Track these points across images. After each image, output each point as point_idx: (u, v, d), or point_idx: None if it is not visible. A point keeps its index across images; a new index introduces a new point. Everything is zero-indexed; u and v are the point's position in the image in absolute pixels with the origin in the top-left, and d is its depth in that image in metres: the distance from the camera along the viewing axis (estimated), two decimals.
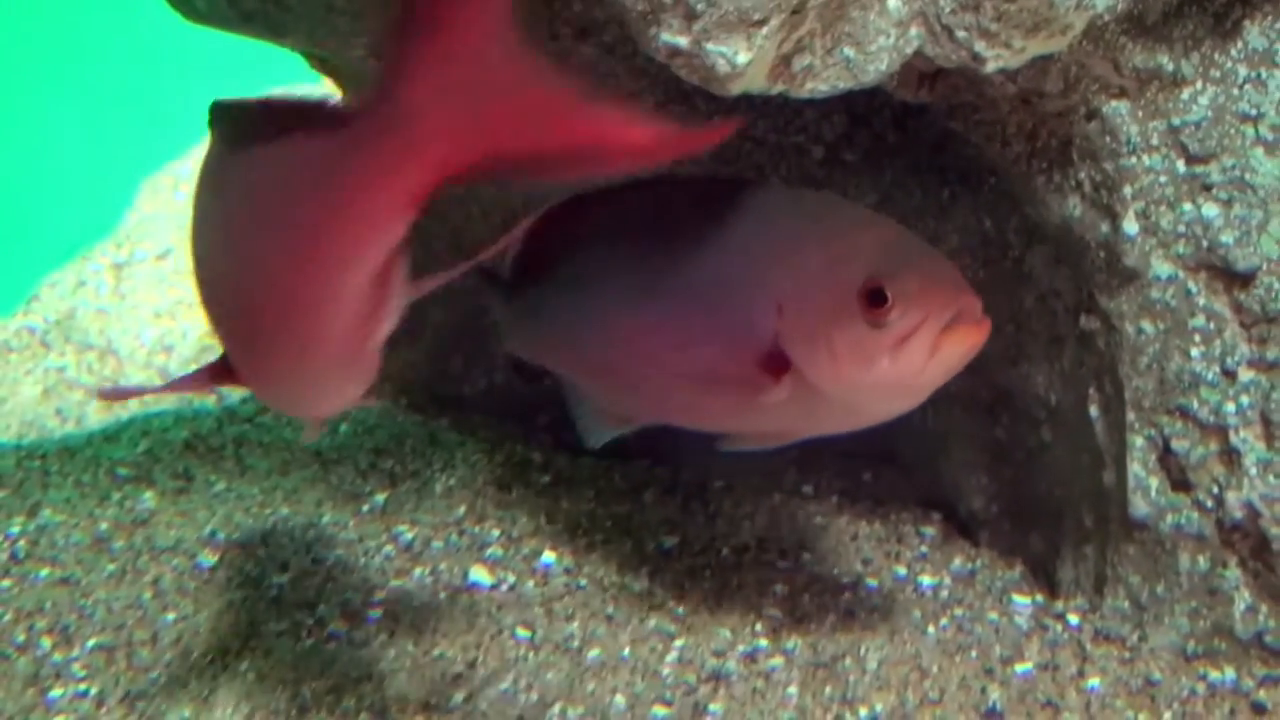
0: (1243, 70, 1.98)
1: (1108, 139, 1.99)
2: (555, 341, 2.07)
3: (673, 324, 1.87)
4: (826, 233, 1.79)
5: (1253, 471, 1.94)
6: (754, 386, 1.78)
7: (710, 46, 1.66)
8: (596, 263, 1.99)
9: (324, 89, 3.53)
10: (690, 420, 1.95)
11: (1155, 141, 1.99)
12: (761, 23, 1.66)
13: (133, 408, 3.64)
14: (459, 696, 1.85)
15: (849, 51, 1.76)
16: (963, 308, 1.69)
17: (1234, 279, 1.97)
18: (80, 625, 1.97)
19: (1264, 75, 1.97)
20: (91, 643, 1.94)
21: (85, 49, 5.51)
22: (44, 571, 2.10)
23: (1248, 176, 1.96)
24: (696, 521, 2.31)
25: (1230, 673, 1.94)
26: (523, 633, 2.00)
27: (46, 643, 1.93)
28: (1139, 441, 2.01)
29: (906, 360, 1.69)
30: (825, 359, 1.73)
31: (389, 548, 2.20)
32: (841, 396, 1.75)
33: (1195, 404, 1.98)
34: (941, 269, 1.73)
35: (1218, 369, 1.97)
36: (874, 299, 1.69)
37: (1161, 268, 1.99)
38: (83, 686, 1.85)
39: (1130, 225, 1.99)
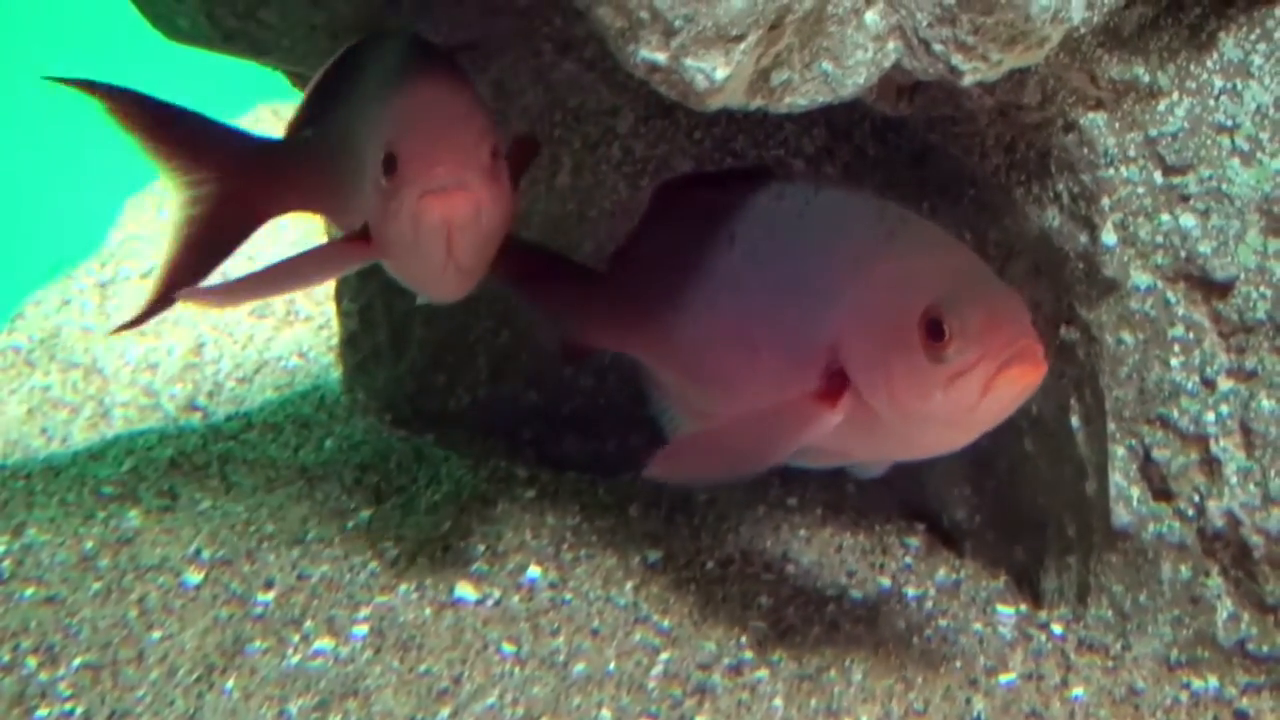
0: (1218, 81, 1.99)
1: (1085, 150, 2.00)
2: (639, 330, 2.06)
3: (745, 326, 1.88)
4: (895, 253, 1.77)
5: (1233, 480, 1.95)
6: (810, 407, 1.76)
7: (688, 62, 1.67)
8: (684, 256, 2.00)
9: None
10: (744, 439, 1.92)
11: (1132, 153, 2.00)
12: (739, 38, 1.66)
13: (117, 426, 3.64)
14: (445, 712, 1.85)
15: (827, 66, 1.77)
16: (1021, 349, 1.66)
17: (1212, 289, 1.98)
18: (66, 644, 1.97)
19: (1239, 86, 1.98)
20: (77, 662, 1.93)
21: (70, 68, 5.51)
22: (29, 591, 2.10)
23: (1224, 187, 1.97)
24: (681, 535, 2.31)
25: (1213, 681, 1.95)
26: (508, 648, 2.00)
27: (32, 662, 1.93)
28: (1120, 451, 2.02)
29: (959, 396, 1.67)
30: (882, 384, 1.72)
31: (374, 564, 2.20)
32: (896, 424, 1.74)
33: (1175, 413, 1.99)
34: (1005, 305, 1.69)
35: (1197, 378, 1.98)
36: (933, 331, 1.67)
37: (1140, 278, 2.00)
38: (69, 706, 1.85)
39: (1109, 236, 2.00)
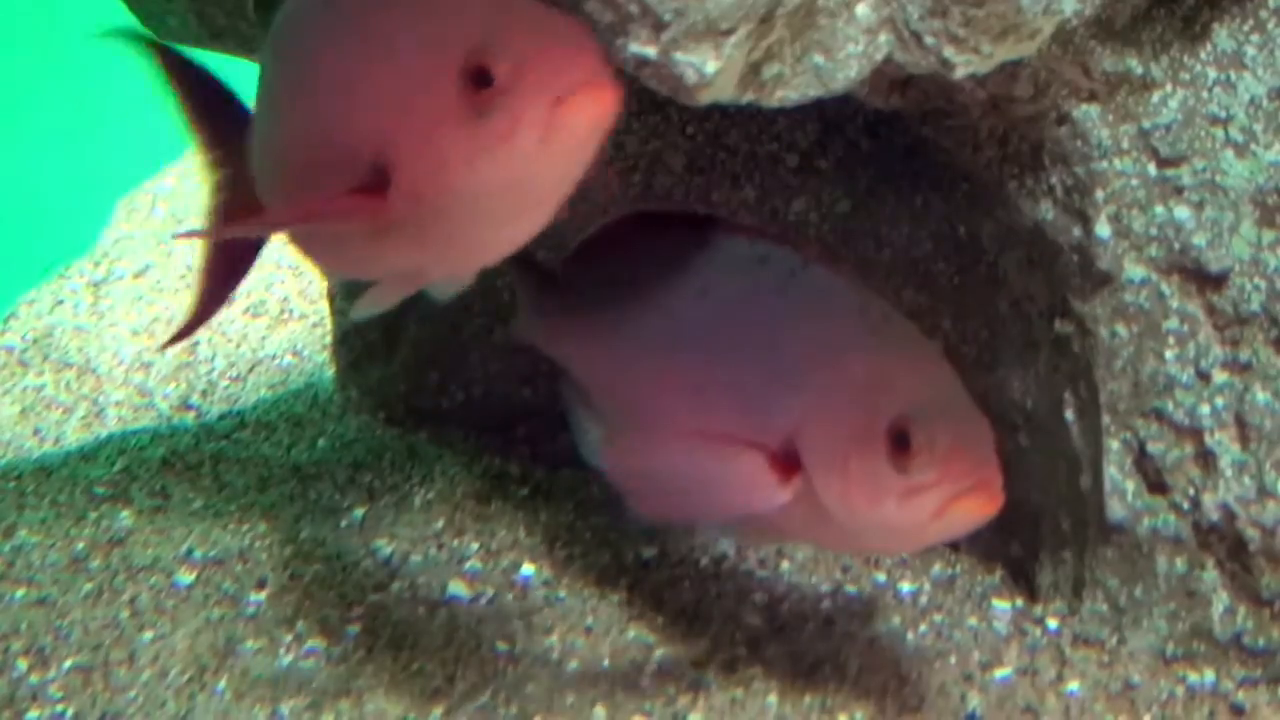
0: (1212, 73, 1.98)
1: (1079, 143, 2.00)
2: (587, 348, 2.05)
3: (703, 380, 1.85)
4: (872, 351, 1.76)
5: (1228, 473, 1.95)
6: (759, 477, 1.75)
7: (679, 56, 1.66)
8: (654, 287, 1.98)
9: None
10: (685, 489, 1.91)
11: (1126, 145, 1.99)
12: (729, 32, 1.65)
13: (111, 425, 3.63)
14: (438, 711, 1.85)
15: (818, 59, 1.76)
16: (983, 479, 1.65)
17: (1206, 281, 1.97)
18: (57, 646, 1.96)
19: (1233, 77, 1.97)
20: (68, 663, 1.93)
21: (61, 67, 5.50)
22: (20, 592, 2.09)
23: (1218, 179, 1.96)
24: (675, 532, 2.30)
25: (1209, 675, 1.95)
26: (502, 646, 1.99)
27: (23, 664, 1.92)
28: (1115, 445, 2.01)
29: (913, 511, 1.66)
30: (837, 479, 1.71)
31: (367, 562, 2.19)
32: (843, 520, 1.72)
33: (1170, 406, 1.98)
34: (973, 431, 1.69)
35: (1192, 371, 1.97)
36: (898, 441, 1.66)
37: (1134, 271, 1.99)
38: (60, 708, 1.84)
39: (1103, 229, 1.99)
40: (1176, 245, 1.97)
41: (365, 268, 1.70)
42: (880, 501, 1.67)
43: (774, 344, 1.81)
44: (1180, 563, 1.98)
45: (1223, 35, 1.98)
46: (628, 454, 1.91)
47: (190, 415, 3.64)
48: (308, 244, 1.77)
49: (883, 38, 1.79)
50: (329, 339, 3.05)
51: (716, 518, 1.85)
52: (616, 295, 2.01)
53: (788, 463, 1.74)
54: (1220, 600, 1.96)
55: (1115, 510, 2.00)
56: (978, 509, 1.65)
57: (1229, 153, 1.97)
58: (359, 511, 2.36)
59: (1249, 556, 1.93)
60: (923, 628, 2.06)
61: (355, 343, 2.83)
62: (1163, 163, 1.98)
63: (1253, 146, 1.97)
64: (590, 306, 2.04)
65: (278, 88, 1.74)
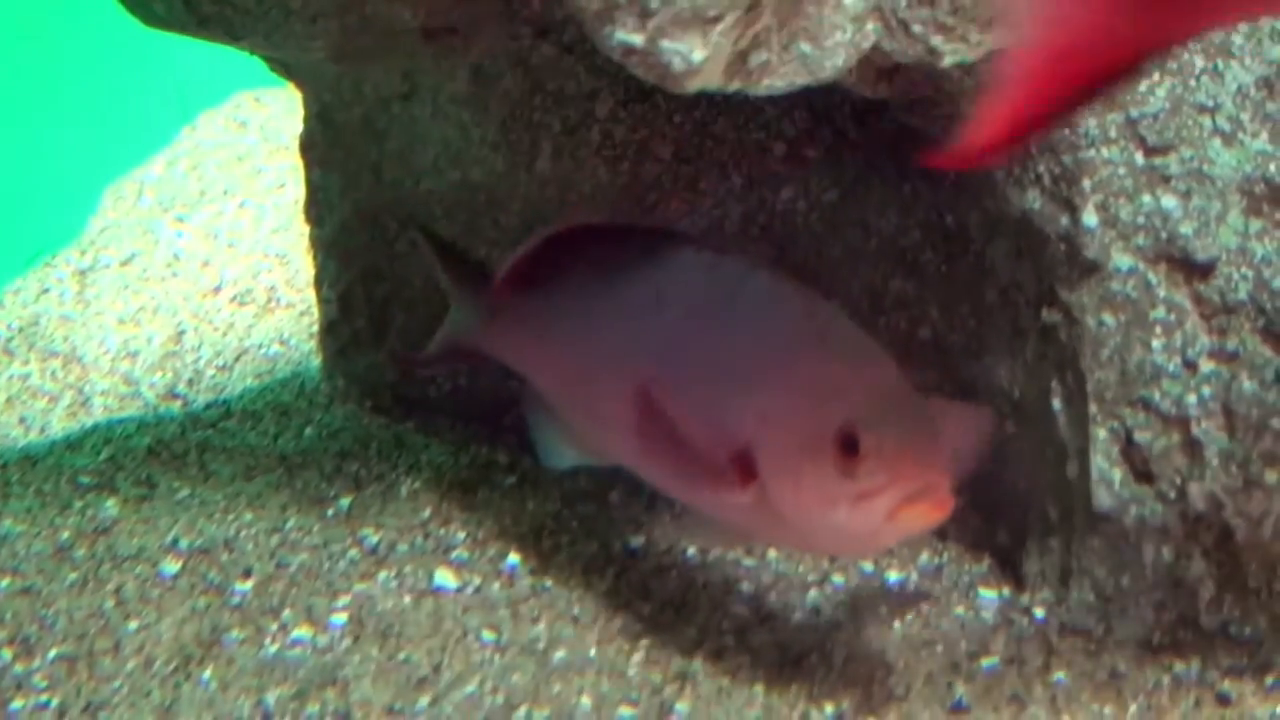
0: (1199, 61, 1.98)
1: (1066, 132, 1.99)
2: (544, 355, 2.06)
3: (659, 389, 1.86)
4: (820, 357, 1.77)
5: (1215, 462, 1.95)
6: (719, 480, 1.77)
7: (665, 44, 1.65)
8: (607, 293, 1.99)
9: (288, 92, 3.52)
10: (655, 480, 1.94)
11: (1113, 134, 1.99)
12: (716, 19, 1.65)
13: (97, 414, 3.62)
14: (424, 700, 1.84)
15: (805, 47, 1.75)
16: (930, 484, 1.66)
17: (1194, 270, 1.97)
18: (41, 635, 1.96)
19: (1221, 66, 1.97)
20: (53, 653, 1.92)
21: (47, 55, 5.48)
22: (4, 582, 2.08)
23: (1206, 168, 1.96)
24: (662, 521, 2.30)
25: (1195, 664, 1.95)
26: (488, 635, 1.99)
27: (7, 654, 1.92)
28: (1102, 434, 2.01)
29: (862, 516, 1.67)
30: (790, 485, 1.72)
31: (354, 551, 2.19)
32: (797, 524, 1.74)
33: (1157, 395, 1.98)
34: (921, 435, 1.70)
35: (1179, 360, 1.97)
36: (847, 446, 1.67)
37: (1122, 260, 1.99)
38: (44, 698, 1.83)
39: (1090, 217, 1.99)
40: (1164, 234, 1.97)
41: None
42: (832, 507, 1.69)
43: (726, 352, 1.83)
44: (1167, 552, 1.98)
45: None
46: (593, 439, 1.93)
47: (176, 404, 3.63)
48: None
49: (870, 26, 1.78)
50: (316, 328, 3.04)
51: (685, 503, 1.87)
52: (569, 304, 2.02)
53: (744, 468, 1.76)
54: (1207, 590, 1.96)
55: (1102, 499, 2.00)
56: (927, 513, 1.67)
57: (1216, 141, 1.97)
58: (345, 500, 2.35)
59: (1235, 546, 1.93)
60: (909, 617, 2.06)
61: (342, 332, 2.83)
62: (1150, 151, 1.98)
63: (1240, 135, 1.97)
64: (543, 314, 2.06)
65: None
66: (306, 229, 2.90)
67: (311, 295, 3.06)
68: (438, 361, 2.36)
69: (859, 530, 1.70)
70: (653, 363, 1.89)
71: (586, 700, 1.85)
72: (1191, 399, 1.96)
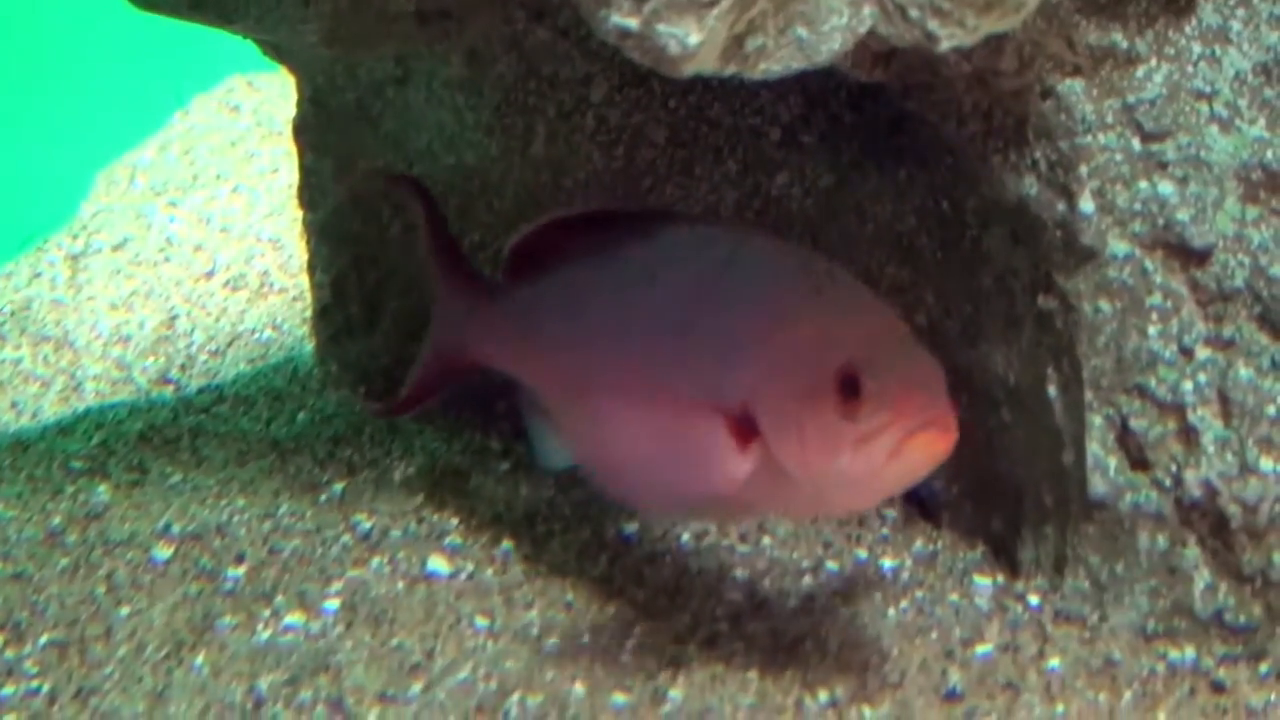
0: (1197, 47, 1.97)
1: (1063, 117, 1.99)
2: (533, 352, 2.05)
3: (657, 365, 1.86)
4: (817, 309, 1.75)
5: (1210, 450, 1.94)
6: (719, 449, 1.75)
7: (661, 28, 1.64)
8: (592, 281, 1.98)
9: (281, 76, 3.51)
10: (649, 473, 1.90)
11: (1110, 120, 1.98)
12: (712, 3, 1.64)
13: (89, 399, 3.61)
14: (417, 686, 1.84)
15: (801, 31, 1.74)
16: (934, 416, 1.64)
17: (1190, 257, 1.96)
18: (32, 621, 1.95)
19: (1218, 52, 1.97)
20: (44, 639, 1.91)
21: (39, 39, 5.46)
22: None
23: (1203, 154, 1.96)
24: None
25: (1190, 652, 1.94)
26: (481, 621, 1.98)
27: None
28: (1097, 421, 2.00)
29: (868, 458, 1.65)
30: (793, 438, 1.70)
31: (347, 537, 2.18)
32: (803, 480, 1.71)
33: (1153, 382, 1.98)
34: (922, 370, 1.68)
35: (1175, 347, 1.97)
36: (847, 390, 1.65)
37: (1118, 246, 1.98)
38: (35, 684, 1.82)
39: (1086, 204, 1.98)
40: (1160, 221, 1.97)
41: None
42: (836, 453, 1.66)
43: (722, 319, 1.81)
44: (1162, 539, 1.97)
45: (1208, 10, 1.97)
46: (587, 430, 1.91)
47: (169, 389, 3.62)
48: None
49: (866, 10, 1.77)
50: (309, 313, 3.04)
51: (682, 492, 1.83)
52: (559, 297, 2.01)
53: (744, 430, 1.74)
54: (1202, 577, 1.96)
55: (1097, 486, 2.00)
56: (931, 445, 1.64)
57: (1213, 128, 1.97)
58: (338, 486, 2.35)
59: (1231, 533, 1.93)
60: (904, 604, 2.06)
61: (335, 317, 2.82)
62: (1147, 138, 1.97)
63: (1237, 122, 1.97)
64: (534, 309, 2.04)
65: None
66: (299, 214, 2.89)
67: (304, 280, 3.06)
68: (421, 393, 2.29)
69: (863, 474, 1.67)
70: (650, 343, 1.87)
71: (580, 687, 1.84)
72: (1187, 386, 1.96)
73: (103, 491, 2.31)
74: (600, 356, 1.95)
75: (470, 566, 2.12)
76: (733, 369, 1.76)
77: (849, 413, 1.65)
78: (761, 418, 1.73)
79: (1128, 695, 1.87)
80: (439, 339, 2.25)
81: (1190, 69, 1.97)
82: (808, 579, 2.12)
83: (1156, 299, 1.97)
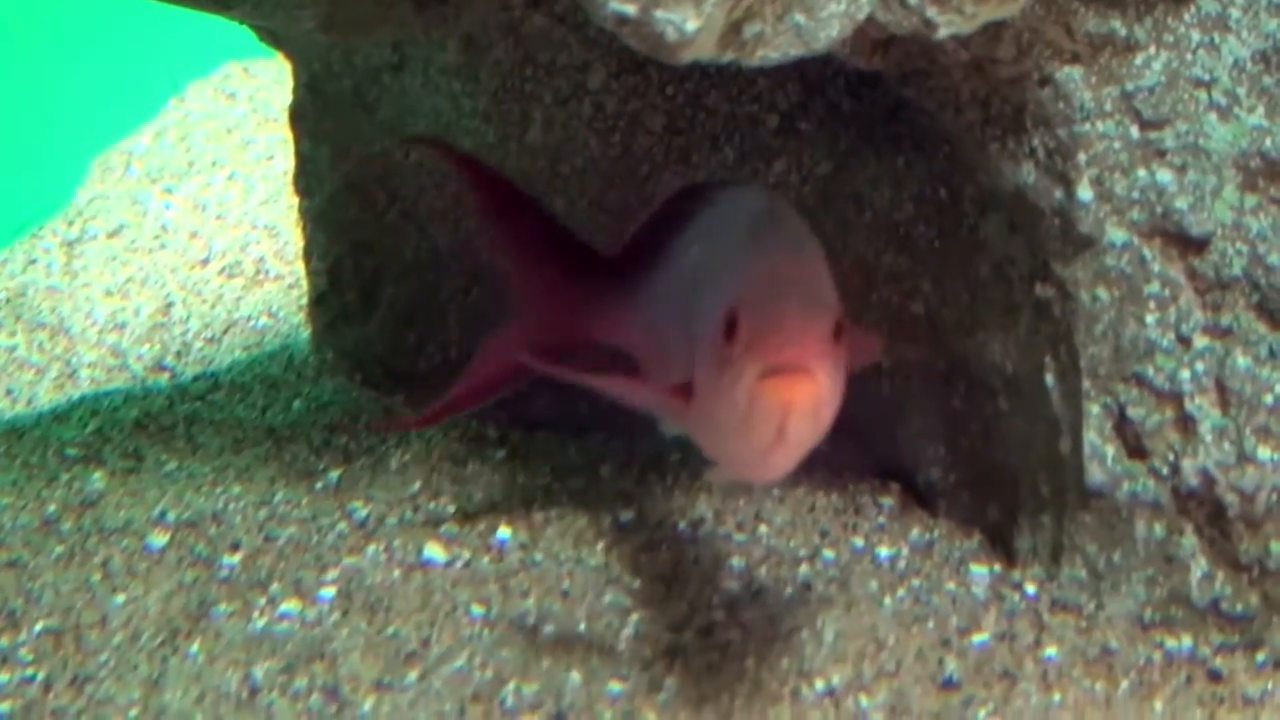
0: (1196, 35, 1.97)
1: (1061, 105, 1.98)
2: (628, 318, 2.04)
3: (666, 321, 1.86)
4: (748, 255, 1.72)
5: (1208, 438, 1.94)
6: (668, 391, 1.74)
7: (659, 14, 1.63)
8: (658, 252, 1.97)
9: (277, 63, 3.49)
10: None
11: (1109, 107, 1.98)
12: None
13: (84, 387, 3.61)
14: (412, 675, 1.83)
15: (799, 18, 1.74)
16: (788, 359, 1.56)
17: (1188, 245, 1.96)
18: (27, 609, 1.95)
19: (1217, 40, 1.96)
20: (39, 626, 1.91)
21: (34, 25, 5.45)
22: None
23: (1201, 142, 1.95)
24: (653, 495, 2.29)
25: (1187, 640, 1.94)
26: (477, 609, 1.98)
27: None
28: (1095, 409, 2.00)
29: (733, 398, 1.58)
30: (700, 379, 1.66)
31: (342, 525, 2.18)
32: (706, 425, 1.68)
33: (1151, 371, 1.97)
34: (798, 311, 1.59)
35: (1173, 335, 1.96)
36: (729, 329, 1.60)
37: (1116, 234, 1.98)
38: (30, 671, 1.82)
39: (1084, 192, 1.98)
40: (1158, 209, 1.96)
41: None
42: (715, 393, 1.62)
43: (704, 273, 1.80)
44: (1159, 528, 1.97)
45: None
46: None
47: (164, 377, 3.61)
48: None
49: None
50: (305, 300, 3.03)
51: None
52: (641, 265, 2.01)
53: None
54: (1199, 566, 1.96)
55: (1094, 475, 1.99)
56: (781, 390, 1.55)
57: (1212, 116, 1.96)
58: (334, 474, 2.35)
59: (1228, 522, 1.93)
60: (901, 592, 2.06)
61: (331, 304, 2.82)
62: (1145, 125, 1.97)
63: (1236, 110, 1.96)
64: (628, 281, 2.04)
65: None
66: (295, 201, 2.88)
67: (300, 267, 3.05)
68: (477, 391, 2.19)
69: (733, 420, 1.59)
70: (666, 302, 1.87)
71: (576, 675, 1.84)
72: (1185, 374, 1.96)
73: (98, 479, 2.31)
74: (638, 321, 1.98)
75: (466, 554, 2.12)
76: (691, 319, 1.75)
77: (725, 352, 1.60)
78: (696, 369, 1.69)
79: (1124, 684, 1.87)
80: (538, 317, 2.17)
81: (1189, 57, 1.97)
82: (804, 567, 2.12)
83: (1154, 287, 1.97)
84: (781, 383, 1.56)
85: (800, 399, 1.56)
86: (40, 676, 1.81)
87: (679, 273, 1.90)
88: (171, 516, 2.18)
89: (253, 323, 3.84)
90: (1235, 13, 1.96)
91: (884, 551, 2.18)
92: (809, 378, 1.56)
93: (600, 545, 2.16)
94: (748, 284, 1.65)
